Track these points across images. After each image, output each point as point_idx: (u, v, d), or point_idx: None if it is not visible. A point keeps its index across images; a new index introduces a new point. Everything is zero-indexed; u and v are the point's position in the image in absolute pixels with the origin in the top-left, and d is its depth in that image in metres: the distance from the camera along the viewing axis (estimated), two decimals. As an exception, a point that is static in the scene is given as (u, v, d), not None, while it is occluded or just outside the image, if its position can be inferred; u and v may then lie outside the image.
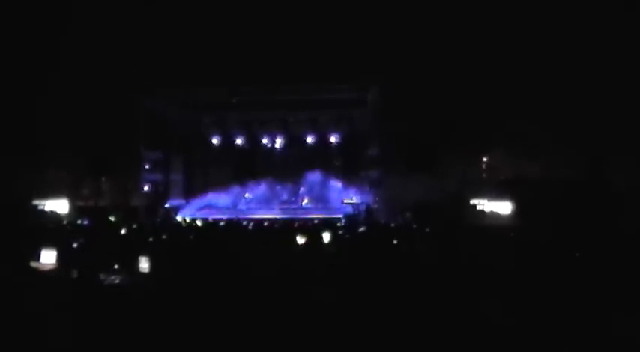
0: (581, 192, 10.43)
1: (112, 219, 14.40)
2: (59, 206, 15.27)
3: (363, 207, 18.39)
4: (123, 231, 11.34)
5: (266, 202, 21.29)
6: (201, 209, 20.24)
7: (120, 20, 14.74)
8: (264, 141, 22.04)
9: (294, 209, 20.59)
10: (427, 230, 10.88)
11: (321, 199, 21.01)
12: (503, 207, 11.41)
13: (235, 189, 21.29)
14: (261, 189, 21.50)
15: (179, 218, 18.47)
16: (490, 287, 5.74)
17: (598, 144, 13.11)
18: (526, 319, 5.09)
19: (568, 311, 5.08)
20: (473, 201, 13.86)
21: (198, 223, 15.00)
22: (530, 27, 13.86)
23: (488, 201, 12.33)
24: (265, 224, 14.55)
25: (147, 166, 19.92)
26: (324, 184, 20.86)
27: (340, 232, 10.20)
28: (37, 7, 13.97)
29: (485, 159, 15.27)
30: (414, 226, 12.60)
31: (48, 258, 7.63)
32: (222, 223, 14.99)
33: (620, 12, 12.42)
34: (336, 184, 20.81)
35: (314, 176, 20.91)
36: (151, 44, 15.67)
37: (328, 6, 15.06)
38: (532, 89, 14.18)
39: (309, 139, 21.53)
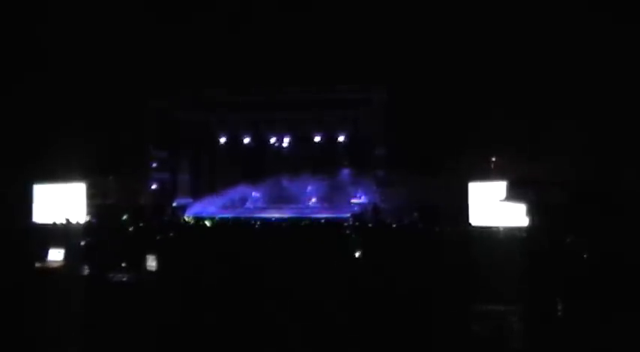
0: (590, 193, 10.35)
1: (124, 217, 14.41)
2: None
3: (370, 207, 18.33)
4: (130, 229, 11.37)
5: (273, 201, 21.29)
6: (208, 207, 20.23)
7: (126, 20, 14.74)
8: (272, 140, 22.04)
9: (301, 208, 20.57)
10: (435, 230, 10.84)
11: (328, 199, 21.00)
12: (514, 208, 11.33)
13: (243, 188, 21.31)
14: (269, 188, 21.51)
15: (186, 217, 18.47)
16: (499, 290, 5.71)
17: (607, 146, 13.03)
18: (537, 321, 5.06)
19: (578, 313, 5.04)
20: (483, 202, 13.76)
21: (206, 222, 14.99)
22: (538, 27, 13.80)
23: (499, 201, 12.24)
24: (273, 223, 14.57)
25: (154, 165, 19.99)
26: (331, 184, 20.85)
27: (348, 232, 10.17)
28: (44, 8, 13.99)
29: (493, 159, 15.20)
30: (420, 226, 12.56)
31: (55, 256, 7.67)
32: (229, 222, 14.99)
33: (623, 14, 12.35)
34: (344, 184, 20.79)
35: (321, 175, 20.91)
36: (158, 44, 15.67)
37: (335, 6, 15.02)
38: (540, 89, 14.12)
39: (317, 139, 21.50)
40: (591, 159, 12.85)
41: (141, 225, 12.70)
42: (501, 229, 10.83)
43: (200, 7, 15.07)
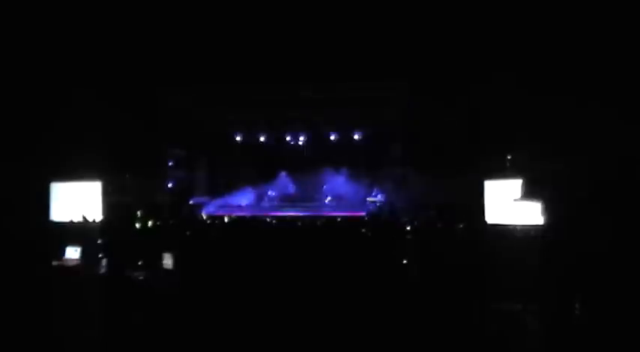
0: (606, 192, 10.23)
1: (139, 214, 14.50)
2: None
3: (386, 206, 18.31)
4: (144, 226, 11.43)
5: (289, 200, 21.32)
6: (224, 206, 20.30)
7: (142, 15, 14.77)
8: (288, 138, 22.06)
9: (317, 206, 20.57)
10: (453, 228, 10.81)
11: (344, 197, 20.98)
12: (530, 207, 11.22)
13: (259, 187, 21.37)
14: (285, 186, 21.55)
15: (203, 215, 18.54)
16: (516, 288, 5.67)
17: (625, 145, 12.86)
18: (554, 320, 5.02)
19: (596, 312, 4.99)
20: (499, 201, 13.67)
21: (223, 220, 15.05)
22: (557, 24, 13.67)
23: (514, 201, 12.15)
24: (289, 221, 14.59)
25: (171, 163, 20.10)
26: (347, 182, 20.84)
27: (364, 230, 10.15)
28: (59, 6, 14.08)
29: (509, 157, 15.09)
30: (438, 225, 12.50)
31: (72, 254, 7.72)
32: (246, 220, 15.02)
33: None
34: (360, 182, 20.76)
35: (337, 174, 20.90)
36: (175, 41, 15.71)
37: (354, 2, 14.97)
38: (557, 88, 13.99)
39: (332, 137, 21.50)
40: (608, 159, 12.71)
41: (157, 223, 12.77)
42: (518, 227, 10.75)
43: (218, 2, 15.07)
